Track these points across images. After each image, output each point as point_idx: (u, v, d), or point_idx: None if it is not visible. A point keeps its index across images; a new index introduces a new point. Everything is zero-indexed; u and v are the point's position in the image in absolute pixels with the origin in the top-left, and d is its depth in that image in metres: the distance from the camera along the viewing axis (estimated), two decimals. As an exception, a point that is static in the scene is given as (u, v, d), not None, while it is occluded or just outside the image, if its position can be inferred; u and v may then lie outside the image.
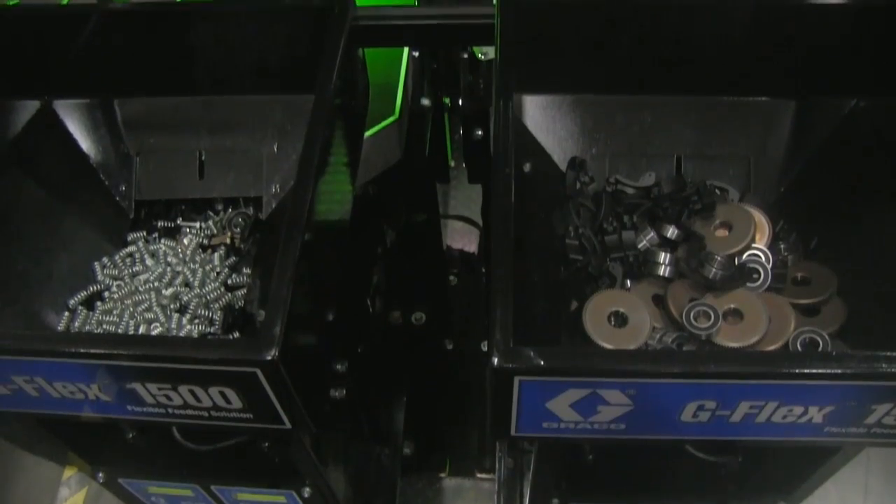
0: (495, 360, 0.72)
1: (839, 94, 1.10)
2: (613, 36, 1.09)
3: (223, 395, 0.82)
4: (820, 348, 0.93)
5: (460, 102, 1.42)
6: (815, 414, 0.79)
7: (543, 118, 1.11)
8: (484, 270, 2.02)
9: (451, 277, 2.08)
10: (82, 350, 0.79)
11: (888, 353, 0.73)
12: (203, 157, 1.21)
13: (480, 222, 2.01)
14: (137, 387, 0.83)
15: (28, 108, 1.19)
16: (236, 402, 0.83)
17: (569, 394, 0.76)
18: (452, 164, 1.98)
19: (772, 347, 0.95)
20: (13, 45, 1.18)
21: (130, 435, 1.11)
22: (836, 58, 1.09)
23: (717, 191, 1.11)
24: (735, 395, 0.77)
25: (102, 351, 0.79)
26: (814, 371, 0.73)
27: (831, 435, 0.82)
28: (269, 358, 0.75)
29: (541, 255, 1.04)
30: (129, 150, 1.23)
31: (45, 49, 1.19)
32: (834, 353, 0.92)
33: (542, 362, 0.72)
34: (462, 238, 2.28)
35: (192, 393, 0.82)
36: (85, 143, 1.22)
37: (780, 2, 1.10)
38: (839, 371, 0.73)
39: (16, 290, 1.08)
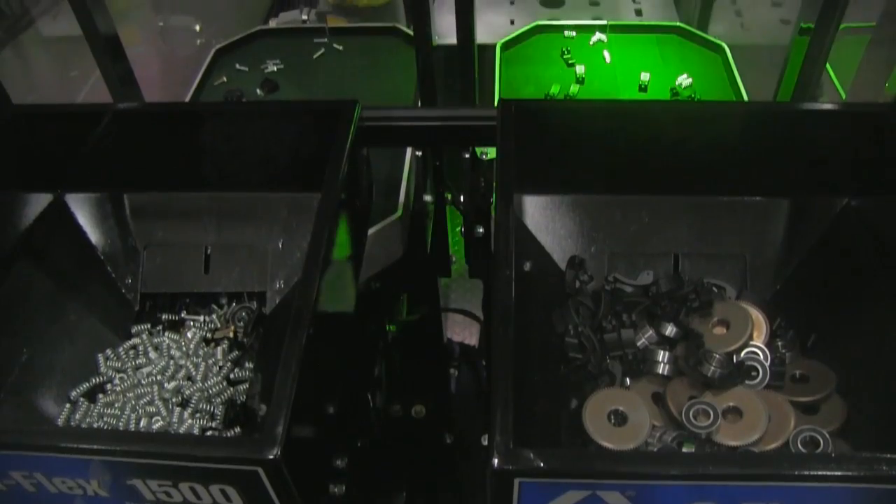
0: (495, 462, 0.73)
1: (831, 194, 1.13)
2: (611, 139, 1.13)
3: (224, 492, 0.81)
4: (821, 448, 0.93)
5: (462, 199, 1.45)
6: (817, 516, 0.78)
7: (543, 218, 1.13)
8: (484, 364, 2.02)
9: (452, 370, 2.08)
10: (84, 446, 0.79)
11: (891, 456, 0.73)
12: (209, 252, 1.24)
13: (481, 315, 2.02)
14: (138, 483, 0.82)
15: (40, 201, 1.22)
16: (237, 500, 0.82)
17: (569, 495, 0.76)
18: (454, 259, 2.00)
19: (772, 446, 0.95)
20: (29, 141, 1.22)
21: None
22: (827, 159, 1.13)
23: (714, 289, 1.12)
24: (736, 497, 0.76)
25: (104, 447, 0.79)
26: (816, 473, 0.73)
27: (834, 537, 0.81)
28: (271, 457, 0.75)
29: (541, 353, 1.04)
30: (137, 243, 1.25)
31: (59, 144, 1.23)
32: (835, 454, 0.92)
33: (542, 464, 0.72)
34: (463, 331, 2.29)
35: (193, 490, 0.82)
36: (94, 235, 1.25)
37: (771, 107, 1.14)
38: (841, 473, 0.73)
39: (18, 381, 1.08)
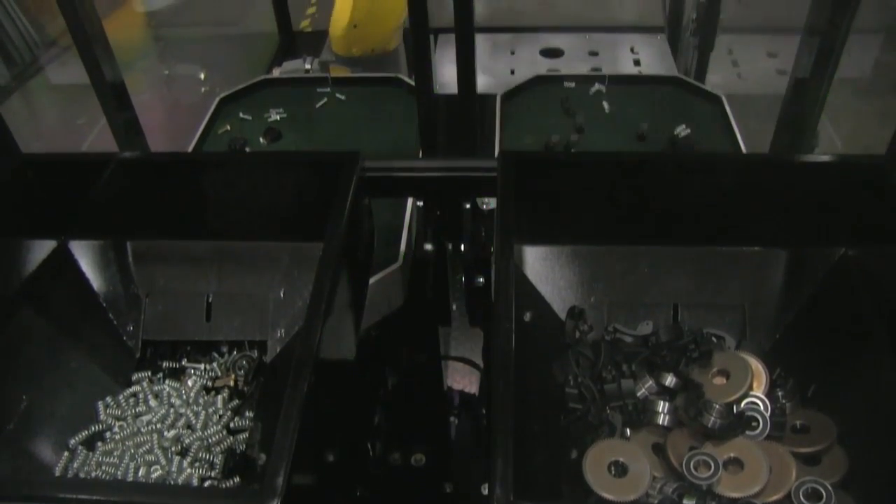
0: (496, 514, 0.72)
1: (828, 244, 1.14)
2: (610, 190, 1.15)
3: (222, 544, 0.81)
4: (823, 500, 0.92)
5: (462, 248, 1.46)
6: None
7: (543, 268, 1.14)
8: (484, 412, 2.01)
9: (452, 419, 2.06)
10: (82, 497, 0.79)
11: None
12: (210, 300, 1.24)
13: (481, 363, 2.01)
14: (136, 534, 0.82)
15: (44, 248, 1.23)
16: (235, 552, 0.82)
17: (569, 547, 0.76)
18: (454, 307, 2.01)
19: (774, 498, 0.94)
20: (36, 188, 1.24)
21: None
22: (824, 209, 1.14)
23: (713, 339, 1.13)
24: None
25: (101, 498, 0.79)
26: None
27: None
28: (271, 509, 0.75)
29: (541, 403, 1.04)
30: (139, 290, 1.26)
31: (64, 192, 1.24)
32: (838, 506, 0.91)
33: (542, 516, 0.72)
34: (463, 379, 2.27)
35: (191, 541, 0.82)
36: (97, 282, 1.25)
37: (768, 159, 1.15)
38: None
39: (17, 429, 1.08)
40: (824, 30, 1.37)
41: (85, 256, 1.26)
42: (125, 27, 3.58)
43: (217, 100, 1.90)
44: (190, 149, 1.75)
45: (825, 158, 1.18)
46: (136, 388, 1.21)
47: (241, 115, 1.86)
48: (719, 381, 1.07)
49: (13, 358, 1.13)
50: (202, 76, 2.62)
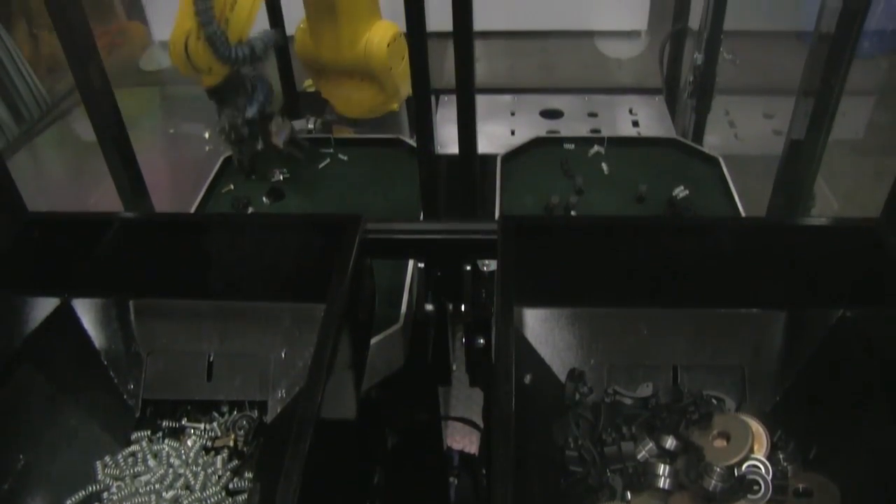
0: (495, 581, 0.72)
1: (827, 305, 1.15)
2: (610, 253, 1.16)
3: None
4: (826, 565, 0.92)
5: (463, 309, 1.46)
6: None
7: (543, 330, 1.15)
8: (484, 473, 1.99)
9: (452, 479, 2.05)
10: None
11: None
12: (211, 359, 1.24)
13: (481, 423, 2.00)
14: None
15: (47, 305, 1.24)
16: None
17: None
18: (454, 367, 2.01)
19: (776, 562, 0.94)
20: (41, 246, 1.25)
21: None
22: (822, 271, 1.15)
23: (713, 401, 1.13)
24: None
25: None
26: None
27: None
28: (269, 575, 0.75)
29: (540, 465, 1.04)
30: (140, 349, 1.26)
31: (69, 250, 1.26)
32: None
33: (542, 583, 0.72)
34: (463, 438, 2.27)
35: None
36: (98, 340, 1.26)
37: (765, 222, 1.17)
38: None
39: (13, 489, 1.08)
40: (818, 92, 1.40)
41: (87, 314, 1.26)
42: (132, 85, 3.65)
43: (221, 159, 1.93)
44: (194, 207, 1.77)
45: (820, 221, 1.20)
46: (135, 447, 1.20)
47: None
48: (720, 443, 1.07)
49: (11, 416, 1.13)
50: (206, 135, 2.66)
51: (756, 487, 1.01)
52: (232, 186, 1.84)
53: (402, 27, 1.39)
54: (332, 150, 1.95)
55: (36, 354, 1.19)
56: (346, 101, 2.09)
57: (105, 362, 1.25)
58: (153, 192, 1.74)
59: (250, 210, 1.75)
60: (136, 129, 1.69)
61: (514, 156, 1.88)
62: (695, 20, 2.34)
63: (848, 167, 2.85)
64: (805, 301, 1.16)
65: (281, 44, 1.83)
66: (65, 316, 1.25)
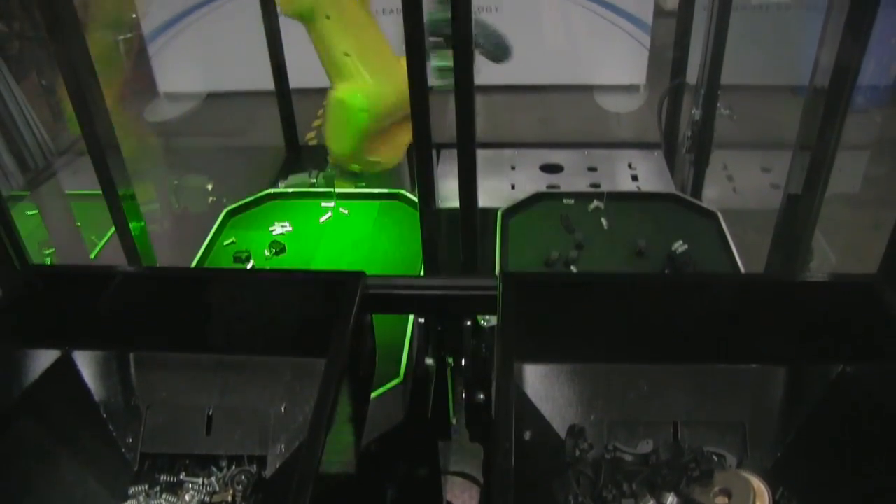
0: None
1: (826, 361, 1.15)
2: (610, 310, 1.16)
3: None
4: None
5: (463, 363, 1.46)
6: None
7: (543, 386, 1.15)
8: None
9: (451, 534, 2.03)
10: None
11: None
12: (211, 413, 1.24)
13: (481, 479, 1.99)
14: None
15: (48, 357, 1.24)
16: None
17: None
18: (454, 421, 2.00)
19: None
20: (43, 300, 1.25)
21: None
22: (821, 327, 1.16)
23: (714, 457, 1.12)
24: None
25: None
26: None
27: None
28: None
29: (541, 523, 1.03)
30: (140, 402, 1.26)
31: (71, 304, 1.26)
32: None
33: None
34: (463, 493, 2.24)
35: None
36: (98, 393, 1.26)
37: (764, 278, 1.18)
38: None
39: (8, 543, 1.07)
40: (814, 146, 1.42)
41: (87, 367, 1.26)
42: (137, 136, 3.69)
43: (224, 212, 1.95)
44: (196, 259, 1.78)
45: (819, 277, 1.21)
46: (132, 502, 1.19)
47: (246, 228, 1.90)
48: (721, 500, 1.06)
49: (8, 468, 1.13)
50: (209, 187, 2.69)
51: (759, 546, 1.00)
52: (234, 240, 1.85)
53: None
54: (333, 205, 1.97)
55: (34, 407, 1.19)
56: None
57: (104, 415, 1.25)
58: (156, 243, 1.75)
59: (251, 263, 1.77)
60: (140, 179, 1.70)
61: (514, 211, 1.90)
62: (692, 75, 2.38)
63: (845, 220, 2.87)
64: (805, 357, 1.16)
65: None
66: (65, 368, 1.25)
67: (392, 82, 2.05)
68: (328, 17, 2.00)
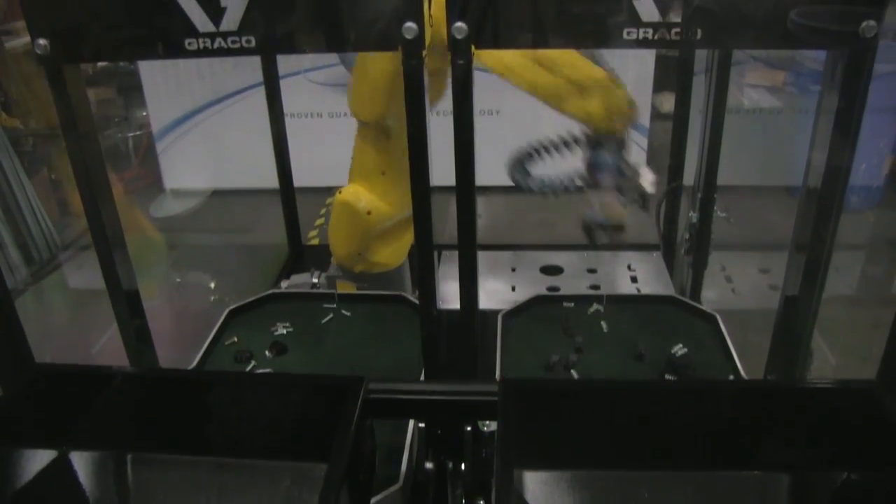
0: None
1: (828, 468, 1.14)
2: (610, 417, 1.17)
3: None
4: None
5: (463, 468, 1.45)
6: None
7: (543, 493, 1.14)
8: None
9: None
10: None
11: None
12: (209, 519, 1.23)
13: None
14: None
15: (44, 457, 1.23)
16: None
17: None
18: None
19: None
20: (44, 399, 1.25)
21: None
22: (823, 433, 1.16)
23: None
24: None
25: None
26: None
27: None
28: None
29: None
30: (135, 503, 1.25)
31: (71, 403, 1.26)
32: None
33: None
34: None
35: None
36: (93, 494, 1.24)
37: (764, 385, 1.18)
38: None
39: None
40: (809, 246, 1.43)
41: (84, 467, 1.25)
42: (141, 233, 3.74)
43: (226, 311, 1.96)
44: (198, 358, 1.79)
45: (818, 384, 1.21)
46: None
47: (248, 328, 1.91)
48: None
49: (1, 571, 1.11)
50: (212, 285, 2.71)
51: None
52: (236, 339, 1.86)
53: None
54: (335, 306, 1.99)
55: (27, 509, 1.17)
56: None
57: (99, 518, 1.23)
58: (157, 341, 1.75)
59: (253, 363, 1.77)
60: (144, 277, 1.72)
61: (514, 314, 1.91)
62: (689, 177, 2.43)
63: (843, 321, 2.88)
64: (807, 463, 1.15)
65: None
66: (61, 468, 1.24)
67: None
68: (387, 136, 2.00)
